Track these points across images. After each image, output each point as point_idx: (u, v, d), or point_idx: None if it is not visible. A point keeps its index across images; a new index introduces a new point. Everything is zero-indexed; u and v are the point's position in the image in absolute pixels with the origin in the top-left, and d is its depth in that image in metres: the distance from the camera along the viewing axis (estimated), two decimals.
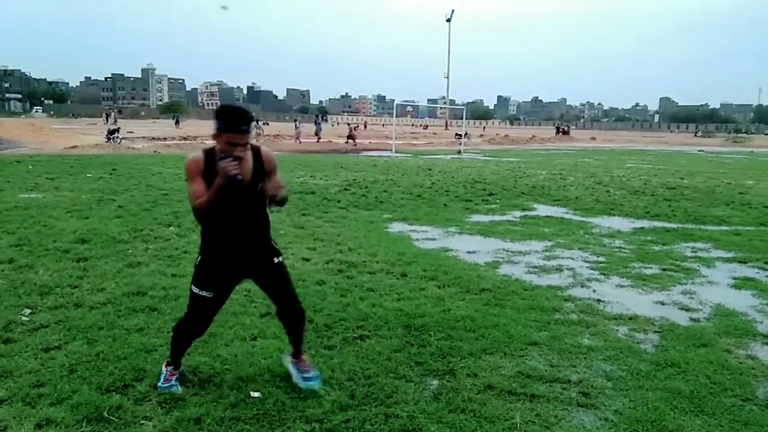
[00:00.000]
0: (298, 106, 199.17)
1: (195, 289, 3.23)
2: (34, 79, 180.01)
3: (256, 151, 3.15)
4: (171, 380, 3.31)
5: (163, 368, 3.38)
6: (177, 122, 60.02)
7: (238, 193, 3.01)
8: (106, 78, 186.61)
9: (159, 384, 3.30)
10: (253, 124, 3.24)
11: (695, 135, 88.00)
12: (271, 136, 38.52)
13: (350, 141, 33.63)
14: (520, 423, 3.06)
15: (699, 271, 6.31)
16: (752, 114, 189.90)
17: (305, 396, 3.25)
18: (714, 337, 4.35)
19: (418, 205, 10.45)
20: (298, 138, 34.97)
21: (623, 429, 3.04)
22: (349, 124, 42.59)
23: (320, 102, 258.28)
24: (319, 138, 36.57)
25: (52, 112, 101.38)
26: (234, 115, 2.94)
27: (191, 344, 3.45)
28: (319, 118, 44.68)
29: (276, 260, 3.32)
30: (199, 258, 3.24)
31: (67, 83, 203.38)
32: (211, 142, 3.08)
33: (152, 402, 3.15)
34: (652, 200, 12.04)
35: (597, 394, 3.41)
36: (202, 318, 3.29)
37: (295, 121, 41.16)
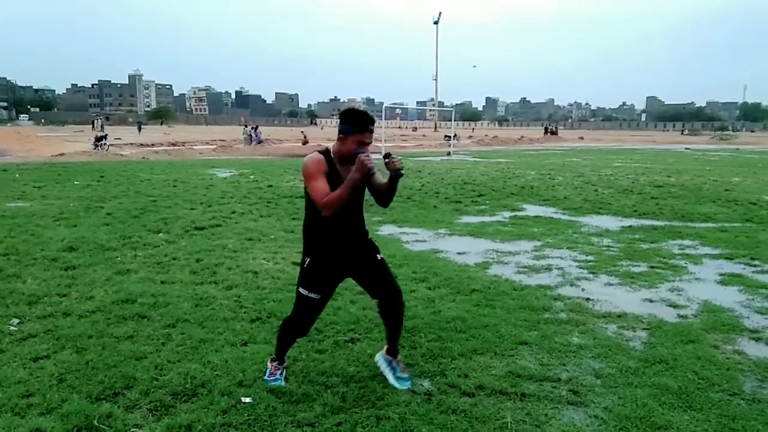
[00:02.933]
0: (287, 110, 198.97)
1: (303, 291, 3.32)
2: (20, 86, 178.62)
3: None
4: (276, 374, 3.47)
5: (268, 364, 3.55)
6: (139, 128, 56.65)
7: (361, 188, 3.21)
8: (92, 85, 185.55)
9: (265, 377, 3.46)
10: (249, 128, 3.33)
11: (682, 133, 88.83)
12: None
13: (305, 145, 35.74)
14: (510, 422, 3.07)
15: (686, 268, 6.37)
16: (738, 111, 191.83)
17: (297, 400, 3.25)
18: (701, 333, 4.39)
19: (408, 207, 10.47)
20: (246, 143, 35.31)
21: (613, 426, 3.06)
22: (302, 131, 43.97)
23: (309, 106, 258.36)
24: (258, 144, 35.14)
25: (43, 120, 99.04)
26: (361, 117, 3.17)
27: (295, 342, 3.59)
28: (251, 127, 39.18)
29: (379, 257, 3.44)
30: (308, 260, 3.31)
31: (54, 90, 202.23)
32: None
33: (143, 409, 3.14)
34: (640, 198, 12.13)
35: (586, 391, 3.44)
36: (308, 318, 3.42)
37: (245, 125, 40.95)
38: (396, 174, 3.18)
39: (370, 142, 3.19)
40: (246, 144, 34.44)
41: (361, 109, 3.34)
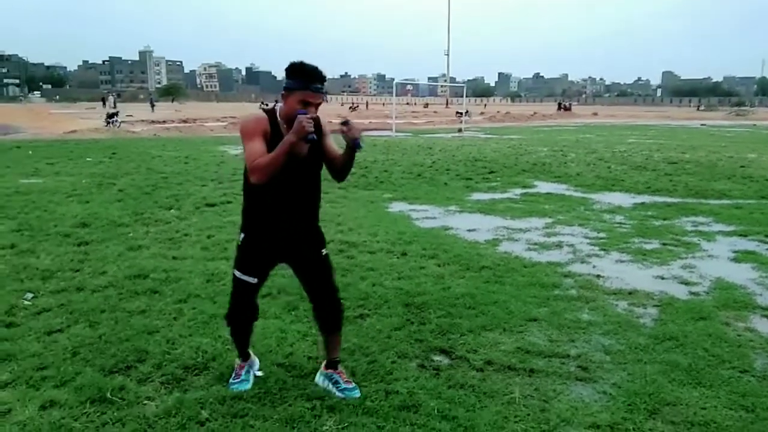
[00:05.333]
0: None
1: (238, 274, 3.02)
2: (32, 63, 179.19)
3: (314, 119, 2.81)
4: (241, 374, 3.18)
5: (235, 364, 3.26)
6: (152, 105, 56.02)
7: (301, 158, 2.79)
8: (103, 61, 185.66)
9: (230, 381, 3.16)
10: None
11: (698, 109, 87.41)
12: None
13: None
14: (518, 397, 3.08)
15: (699, 245, 6.31)
16: (755, 87, 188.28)
17: (307, 374, 3.28)
18: (713, 310, 4.36)
19: (418, 184, 10.43)
20: None
21: (621, 402, 3.06)
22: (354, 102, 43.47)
23: None
24: None
25: (56, 97, 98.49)
26: (308, 73, 2.72)
27: (251, 330, 3.25)
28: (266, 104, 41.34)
29: (323, 252, 3.12)
30: (242, 237, 3.01)
31: (65, 67, 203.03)
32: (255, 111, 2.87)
33: (155, 382, 3.19)
34: (654, 175, 11.99)
35: (595, 368, 3.44)
36: (248, 303, 3.11)
37: (262, 102, 40.88)
38: (353, 144, 2.77)
39: (318, 104, 2.77)
40: None
41: (312, 64, 2.78)
